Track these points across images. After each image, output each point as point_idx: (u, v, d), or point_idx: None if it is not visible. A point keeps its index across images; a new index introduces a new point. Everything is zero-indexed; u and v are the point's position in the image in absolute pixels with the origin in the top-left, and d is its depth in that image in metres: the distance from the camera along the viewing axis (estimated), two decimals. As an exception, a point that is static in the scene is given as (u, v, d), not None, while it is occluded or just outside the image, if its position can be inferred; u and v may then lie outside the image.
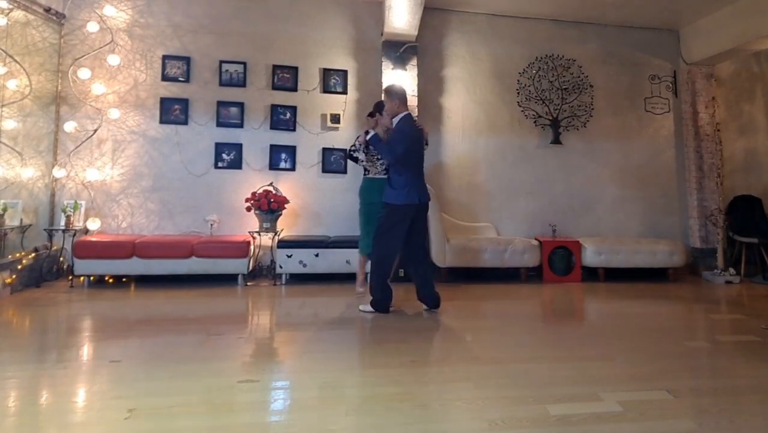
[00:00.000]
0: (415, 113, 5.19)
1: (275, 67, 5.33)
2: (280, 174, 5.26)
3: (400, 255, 3.83)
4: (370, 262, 3.85)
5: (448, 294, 4.38)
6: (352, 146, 4.25)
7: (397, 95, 3.77)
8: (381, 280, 3.68)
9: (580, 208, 5.86)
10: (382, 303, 3.69)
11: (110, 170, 4.98)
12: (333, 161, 5.38)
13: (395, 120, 3.77)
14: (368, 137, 3.81)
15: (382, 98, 4.07)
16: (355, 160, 4.22)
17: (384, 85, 5.23)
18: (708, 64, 6.07)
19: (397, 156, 3.60)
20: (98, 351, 2.79)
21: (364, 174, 4.21)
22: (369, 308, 3.72)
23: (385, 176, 3.95)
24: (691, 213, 5.98)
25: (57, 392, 2.18)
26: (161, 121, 5.09)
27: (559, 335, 3.27)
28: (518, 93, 5.83)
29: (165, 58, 5.14)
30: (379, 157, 4.07)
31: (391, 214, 3.66)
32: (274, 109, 5.30)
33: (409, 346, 2.93)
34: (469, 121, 5.71)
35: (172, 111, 5.12)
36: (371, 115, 4.22)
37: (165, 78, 5.13)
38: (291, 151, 5.31)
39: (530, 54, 5.89)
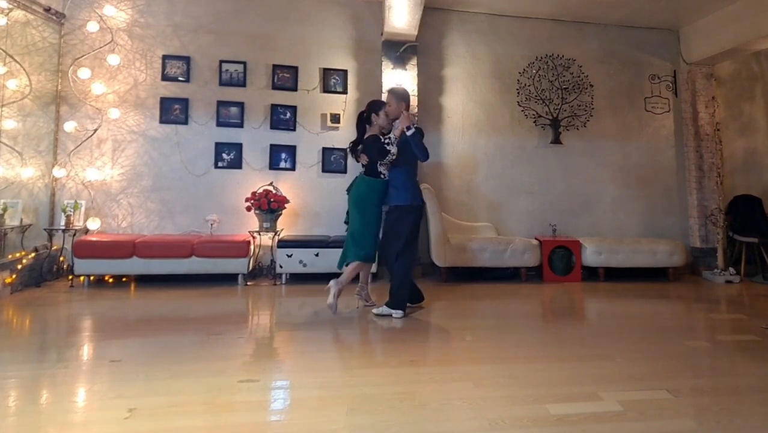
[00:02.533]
0: (415, 113, 5.20)
1: (275, 67, 5.32)
2: (280, 174, 5.26)
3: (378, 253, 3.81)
4: (390, 270, 3.70)
5: (449, 294, 4.39)
6: (386, 139, 3.70)
7: (404, 98, 3.75)
8: (408, 289, 3.64)
9: (580, 208, 5.86)
10: (404, 306, 3.64)
11: (110, 170, 4.98)
12: (333, 161, 5.37)
13: (396, 122, 3.74)
14: (409, 133, 3.54)
15: (384, 99, 3.95)
16: (386, 153, 3.63)
17: (384, 85, 5.26)
18: (708, 64, 6.06)
19: (428, 156, 3.62)
20: (98, 351, 2.79)
21: (366, 174, 3.72)
22: (387, 310, 3.55)
23: (378, 178, 3.68)
24: (691, 213, 5.98)
25: (57, 392, 2.18)
26: (161, 121, 5.09)
27: (559, 335, 3.27)
28: (518, 93, 5.83)
29: (165, 57, 5.13)
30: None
31: (404, 216, 3.58)
32: (274, 108, 5.30)
33: (409, 346, 2.93)
34: (469, 120, 5.71)
35: (172, 111, 5.12)
36: (368, 113, 3.83)
37: (165, 78, 5.12)
38: (291, 150, 5.31)
39: (530, 54, 5.89)
